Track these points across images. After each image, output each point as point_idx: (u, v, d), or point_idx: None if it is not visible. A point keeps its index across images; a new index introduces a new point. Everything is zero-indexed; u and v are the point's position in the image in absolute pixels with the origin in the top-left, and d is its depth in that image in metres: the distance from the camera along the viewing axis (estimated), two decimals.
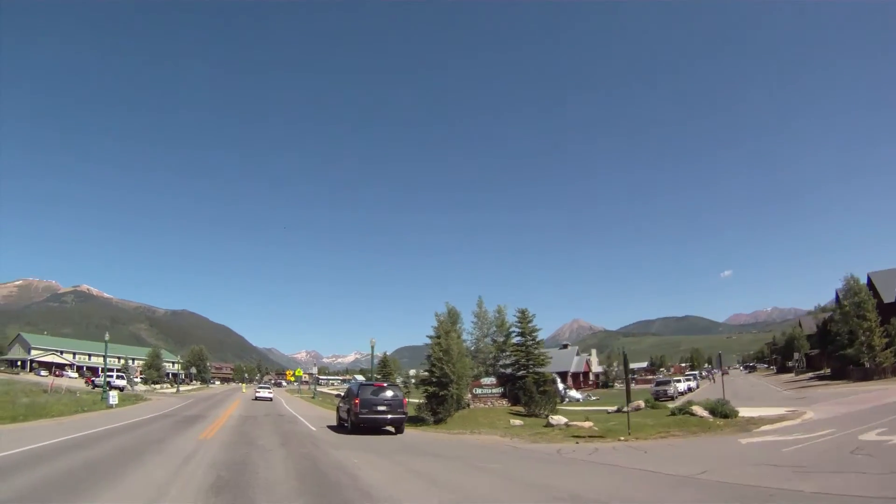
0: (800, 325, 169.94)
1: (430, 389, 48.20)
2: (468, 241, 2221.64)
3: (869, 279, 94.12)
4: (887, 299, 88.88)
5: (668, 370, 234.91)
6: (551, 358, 67.29)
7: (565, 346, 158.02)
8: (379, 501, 14.74)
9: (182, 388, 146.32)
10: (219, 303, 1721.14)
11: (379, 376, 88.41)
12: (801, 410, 40.98)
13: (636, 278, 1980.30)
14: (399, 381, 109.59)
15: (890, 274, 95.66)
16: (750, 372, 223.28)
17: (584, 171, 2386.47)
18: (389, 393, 37.89)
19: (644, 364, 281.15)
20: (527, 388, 52.33)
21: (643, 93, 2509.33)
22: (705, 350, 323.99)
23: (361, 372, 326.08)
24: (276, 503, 14.49)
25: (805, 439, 26.41)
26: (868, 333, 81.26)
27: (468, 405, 52.58)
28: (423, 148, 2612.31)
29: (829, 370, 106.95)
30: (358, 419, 35.91)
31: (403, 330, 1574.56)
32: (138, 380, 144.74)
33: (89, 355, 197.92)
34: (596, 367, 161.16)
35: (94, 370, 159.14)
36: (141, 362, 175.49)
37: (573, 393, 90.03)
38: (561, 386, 78.57)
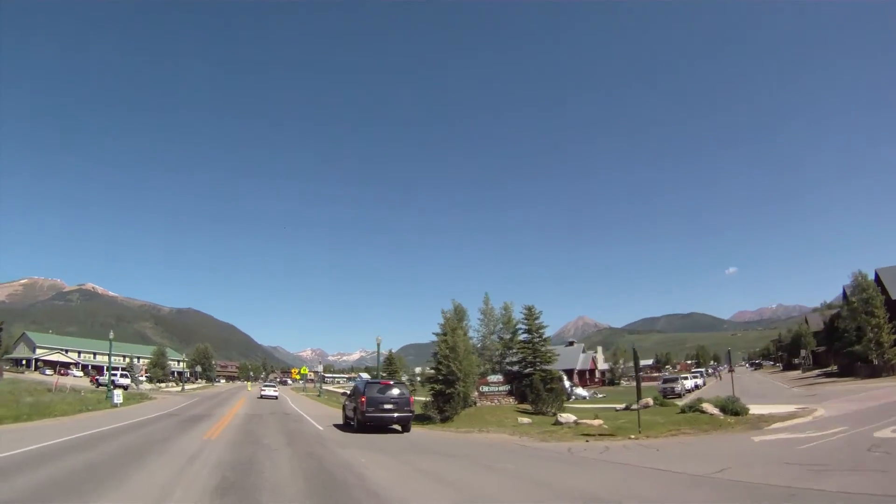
0: (806, 321, 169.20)
1: (437, 387, 47.70)
2: (473, 239, 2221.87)
3: (877, 275, 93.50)
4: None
5: (674, 367, 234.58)
6: (558, 355, 66.97)
7: (571, 344, 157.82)
8: (388, 502, 14.38)
9: (187, 386, 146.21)
10: (224, 301, 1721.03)
11: (385, 374, 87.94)
12: (811, 408, 40.58)
13: (641, 275, 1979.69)
14: (404, 378, 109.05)
15: None
16: (756, 369, 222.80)
17: (589, 170, 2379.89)
18: (396, 391, 37.50)
19: (649, 361, 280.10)
20: (534, 385, 51.97)
21: (644, 92, 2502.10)
22: (710, 347, 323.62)
23: (367, 370, 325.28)
24: None
25: (819, 437, 25.93)
26: (876, 330, 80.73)
27: (475, 403, 52.10)
28: (427, 146, 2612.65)
29: (836, 367, 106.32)
30: (364, 417, 35.62)
31: (408, 327, 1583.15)
32: (143, 378, 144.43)
33: (94, 354, 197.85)
34: (602, 365, 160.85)
35: (99, 369, 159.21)
36: (146, 361, 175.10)
37: (580, 390, 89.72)
38: (567, 384, 78.17)
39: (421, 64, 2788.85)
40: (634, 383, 38.02)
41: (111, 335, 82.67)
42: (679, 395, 70.79)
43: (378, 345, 75.99)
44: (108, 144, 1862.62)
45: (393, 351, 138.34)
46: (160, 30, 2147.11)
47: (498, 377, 56.42)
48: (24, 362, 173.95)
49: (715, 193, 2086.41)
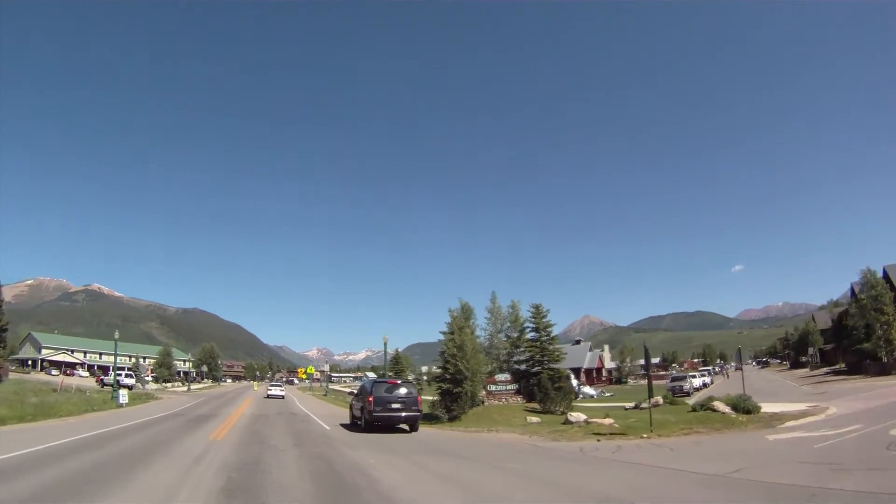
0: (813, 319, 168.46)
1: (444, 386, 47.40)
2: (478, 238, 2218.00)
3: (885, 272, 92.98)
4: None
5: (681, 366, 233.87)
6: (566, 354, 66.63)
7: (578, 342, 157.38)
8: None
9: (193, 386, 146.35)
10: (230, 301, 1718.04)
11: (391, 373, 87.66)
12: (823, 406, 40.26)
13: (646, 274, 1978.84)
14: (411, 378, 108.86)
15: None
16: (763, 367, 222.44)
17: (593, 169, 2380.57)
18: (403, 390, 37.14)
19: (656, 360, 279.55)
20: (542, 384, 51.61)
21: (646, 92, 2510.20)
22: (717, 346, 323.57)
23: (373, 369, 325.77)
24: None
25: (834, 435, 25.58)
26: (886, 327, 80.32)
27: (482, 402, 51.88)
28: (432, 146, 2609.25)
29: (844, 365, 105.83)
30: (372, 417, 35.26)
31: (414, 327, 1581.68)
32: (149, 378, 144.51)
33: (100, 354, 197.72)
34: (609, 363, 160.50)
35: (105, 369, 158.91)
36: (152, 361, 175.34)
37: (587, 389, 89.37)
38: (575, 382, 77.75)
39: (425, 63, 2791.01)
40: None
41: (116, 335, 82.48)
42: (687, 394, 70.36)
43: (385, 344, 75.75)
44: (112, 145, 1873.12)
45: (399, 350, 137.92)
46: (164, 30, 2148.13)
47: (506, 376, 56.27)
48: (29, 363, 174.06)
49: (720, 191, 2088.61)
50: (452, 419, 45.18)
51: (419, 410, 37.39)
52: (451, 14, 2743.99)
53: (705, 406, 37.65)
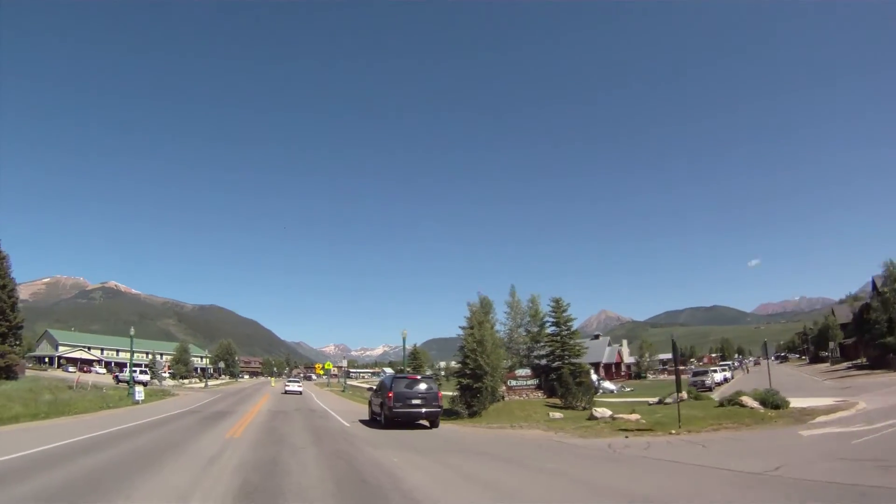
0: (833, 313, 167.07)
1: (464, 381, 46.98)
2: (495, 234, 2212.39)
3: None
4: None
5: (700, 361, 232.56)
6: (587, 348, 66.02)
7: (597, 337, 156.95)
8: None
9: (210, 382, 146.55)
10: (247, 297, 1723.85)
11: (410, 369, 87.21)
12: (851, 401, 39.27)
13: (663, 268, 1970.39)
14: (428, 373, 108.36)
15: None
16: (782, 362, 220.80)
17: (610, 165, 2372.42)
18: (424, 386, 36.63)
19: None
20: (563, 379, 50.88)
21: (653, 90, 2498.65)
22: (734, 340, 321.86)
23: (390, 365, 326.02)
24: None
25: (870, 431, 24.61)
26: None
27: (503, 397, 51.38)
28: (450, 141, 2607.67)
29: (865, 359, 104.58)
30: (392, 413, 34.82)
31: (431, 322, 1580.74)
32: (166, 375, 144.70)
33: (117, 351, 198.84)
34: (627, 358, 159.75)
35: (122, 366, 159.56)
36: (169, 357, 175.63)
37: (607, 384, 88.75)
38: (595, 377, 77.10)
39: (452, 53, 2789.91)
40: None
41: (132, 331, 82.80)
42: (709, 389, 69.57)
43: (404, 339, 75.16)
44: (129, 142, 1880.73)
45: (417, 346, 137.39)
46: (170, 29, 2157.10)
47: (526, 371, 55.65)
48: (46, 360, 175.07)
49: (736, 186, 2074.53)
50: (472, 415, 44.83)
51: (440, 406, 36.76)
52: (452, 14, 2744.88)
53: (733, 401, 36.72)
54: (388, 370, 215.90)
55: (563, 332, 57.26)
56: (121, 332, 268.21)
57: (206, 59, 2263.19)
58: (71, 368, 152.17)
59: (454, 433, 34.16)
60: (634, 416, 34.27)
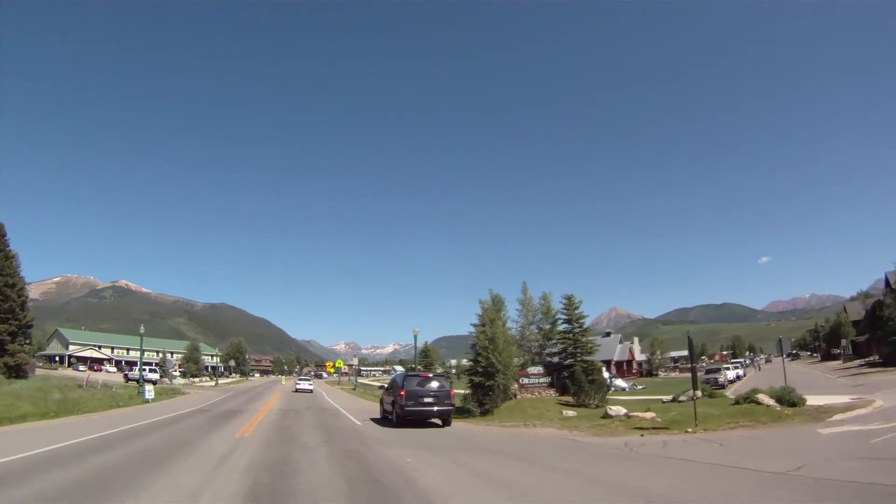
0: (844, 310, 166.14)
1: (476, 379, 46.71)
2: (504, 232, 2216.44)
3: None
4: None
5: (711, 358, 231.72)
6: (599, 346, 65.70)
7: (608, 334, 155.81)
8: None
9: (221, 381, 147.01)
10: (257, 296, 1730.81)
11: (421, 367, 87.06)
12: (867, 398, 38.73)
13: (673, 266, 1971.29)
14: (439, 370, 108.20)
15: None
16: (792, 360, 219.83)
17: (620, 162, 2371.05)
18: (435, 384, 36.25)
19: (684, 352, 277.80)
20: (576, 377, 50.48)
21: (655, 89, 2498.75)
22: (745, 338, 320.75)
23: (401, 363, 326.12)
24: None
25: (888, 429, 24.05)
26: None
27: (515, 395, 51.00)
28: (458, 139, 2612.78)
29: (878, 357, 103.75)
30: (403, 412, 34.58)
31: (441, 321, 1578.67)
32: (177, 373, 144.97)
33: (127, 349, 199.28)
34: (639, 356, 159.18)
35: (132, 364, 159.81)
36: (180, 356, 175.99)
37: (619, 382, 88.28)
38: (606, 375, 76.74)
39: (452, 53, 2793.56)
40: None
41: (142, 330, 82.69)
42: (722, 386, 68.97)
43: (415, 337, 75.05)
44: (139, 141, 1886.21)
45: (427, 343, 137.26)
46: (188, 27, 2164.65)
47: (538, 369, 55.20)
48: (57, 359, 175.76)
49: (746, 184, 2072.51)
50: (485, 413, 44.58)
51: (452, 405, 36.43)
52: (452, 14, 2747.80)
53: (749, 398, 36.29)
54: (399, 368, 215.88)
55: (576, 330, 56.92)
56: (131, 331, 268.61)
57: (206, 59, 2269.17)
58: (81, 367, 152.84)
59: (467, 432, 33.85)
60: (650, 415, 33.90)
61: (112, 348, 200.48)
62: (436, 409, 35.16)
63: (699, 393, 44.84)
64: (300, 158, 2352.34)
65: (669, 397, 50.44)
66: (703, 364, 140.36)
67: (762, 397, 35.39)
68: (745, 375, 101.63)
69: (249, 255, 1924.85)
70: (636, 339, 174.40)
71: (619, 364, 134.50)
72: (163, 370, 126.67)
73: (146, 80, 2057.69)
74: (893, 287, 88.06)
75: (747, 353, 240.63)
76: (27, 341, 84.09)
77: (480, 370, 46.06)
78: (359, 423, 37.61)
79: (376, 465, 19.19)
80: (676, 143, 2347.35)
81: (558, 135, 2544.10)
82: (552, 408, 45.93)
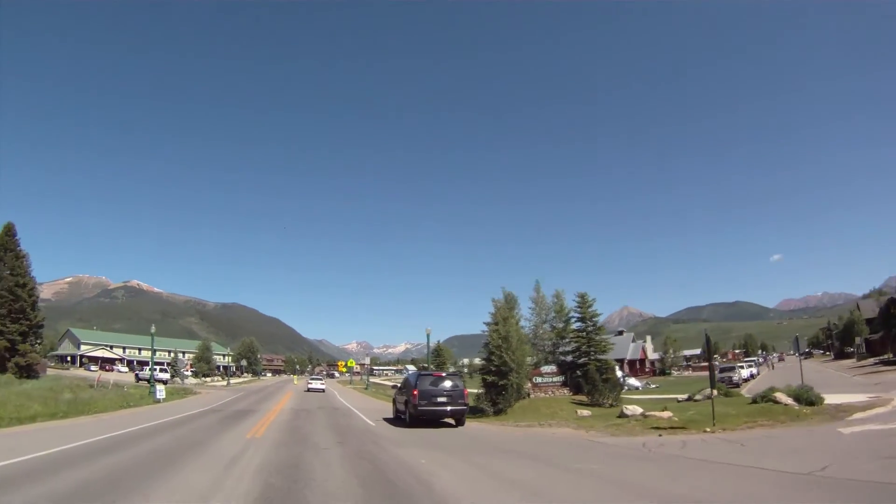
0: (857, 308, 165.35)
1: (489, 378, 46.40)
2: (516, 231, 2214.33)
3: None
4: None
5: (723, 357, 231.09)
6: (613, 344, 65.25)
7: (621, 333, 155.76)
8: None
9: (233, 380, 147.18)
10: (269, 295, 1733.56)
11: (433, 366, 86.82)
12: (885, 397, 38.19)
13: (684, 264, 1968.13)
14: (451, 370, 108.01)
15: None
16: (806, 358, 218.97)
17: (631, 159, 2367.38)
18: (449, 383, 35.85)
19: (697, 351, 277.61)
20: (590, 376, 50.15)
21: (655, 89, 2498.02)
22: (757, 336, 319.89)
23: (413, 362, 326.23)
24: None
25: None
26: None
27: (528, 395, 50.65)
28: (458, 138, 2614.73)
29: (892, 355, 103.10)
30: (417, 411, 34.25)
31: (452, 320, 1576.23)
32: (188, 373, 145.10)
33: (139, 349, 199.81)
34: (651, 355, 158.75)
35: (144, 364, 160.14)
36: (191, 355, 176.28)
37: (632, 381, 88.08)
38: (620, 374, 76.38)
39: (452, 53, 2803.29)
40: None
41: (153, 329, 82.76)
42: (736, 385, 68.49)
43: (428, 336, 74.75)
44: (139, 141, 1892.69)
45: (440, 342, 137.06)
46: (188, 27, 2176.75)
47: (552, 368, 54.77)
48: (68, 359, 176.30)
49: (757, 182, 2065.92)
50: (498, 412, 44.34)
51: (466, 404, 36.22)
52: (452, 14, 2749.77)
53: (766, 397, 35.79)
54: (411, 367, 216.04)
55: (589, 328, 56.54)
56: (143, 331, 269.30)
57: (206, 59, 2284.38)
58: (93, 367, 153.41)
59: (482, 432, 33.44)
60: (667, 414, 33.47)
61: (124, 348, 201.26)
62: (449, 408, 34.85)
63: (715, 391, 44.48)
64: (300, 158, 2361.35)
65: (685, 396, 50.04)
66: (717, 363, 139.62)
67: (780, 396, 34.91)
68: (758, 374, 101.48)
69: (260, 256, 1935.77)
70: (649, 338, 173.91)
71: (631, 363, 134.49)
72: (174, 370, 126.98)
73: (146, 80, 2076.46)
74: None
75: (760, 352, 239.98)
76: (38, 341, 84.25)
77: (493, 369, 45.77)
78: (371, 424, 37.28)
79: (390, 466, 18.82)
80: (677, 143, 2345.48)
81: (558, 135, 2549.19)
82: (566, 407, 45.63)
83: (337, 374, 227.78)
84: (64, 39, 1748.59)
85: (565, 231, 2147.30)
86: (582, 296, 57.73)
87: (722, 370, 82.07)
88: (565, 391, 53.07)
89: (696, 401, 44.22)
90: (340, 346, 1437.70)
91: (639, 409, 36.38)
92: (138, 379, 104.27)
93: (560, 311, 59.16)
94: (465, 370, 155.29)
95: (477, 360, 62.23)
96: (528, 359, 52.42)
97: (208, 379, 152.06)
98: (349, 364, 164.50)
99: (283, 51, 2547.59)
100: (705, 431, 27.01)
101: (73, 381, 67.56)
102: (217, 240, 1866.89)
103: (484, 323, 50.56)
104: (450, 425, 35.27)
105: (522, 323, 56.24)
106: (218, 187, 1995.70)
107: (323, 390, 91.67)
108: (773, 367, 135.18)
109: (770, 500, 13.51)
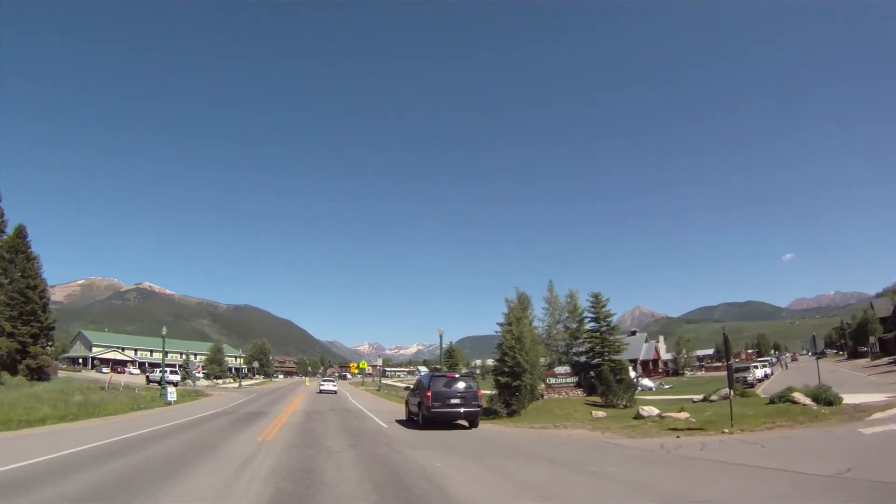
0: (871, 307, 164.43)
1: (503, 380, 46.03)
2: (528, 230, 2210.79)
3: None
4: None
5: (736, 357, 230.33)
6: (627, 345, 64.83)
7: (633, 333, 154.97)
8: None
9: (245, 382, 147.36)
10: (281, 297, 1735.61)
11: (446, 367, 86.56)
12: None
13: (696, 264, 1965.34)
14: (464, 371, 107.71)
15: None
16: (819, 357, 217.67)
17: (631, 159, 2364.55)
18: (462, 384, 35.59)
19: (710, 351, 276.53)
20: (604, 376, 49.79)
21: (655, 89, 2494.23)
22: (770, 336, 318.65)
23: (425, 363, 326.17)
24: None
25: None
26: None
27: (542, 396, 50.29)
28: (458, 138, 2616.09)
29: None
30: (430, 413, 34.02)
31: (464, 321, 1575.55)
32: (200, 375, 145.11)
33: (151, 351, 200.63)
34: (664, 355, 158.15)
35: (155, 366, 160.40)
36: (203, 357, 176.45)
37: (645, 381, 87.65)
38: (633, 374, 75.96)
39: (452, 53, 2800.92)
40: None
41: (164, 331, 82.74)
42: (751, 385, 68.11)
43: (441, 337, 74.56)
44: (150, 142, 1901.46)
45: (452, 343, 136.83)
46: (188, 27, 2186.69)
47: (565, 368, 54.44)
48: (80, 361, 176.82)
49: (769, 181, 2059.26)
50: (511, 414, 44.07)
51: (479, 406, 35.96)
52: (452, 14, 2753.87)
53: (784, 397, 35.29)
54: (423, 369, 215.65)
55: (603, 328, 56.02)
56: (155, 333, 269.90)
57: (206, 59, 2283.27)
58: (104, 369, 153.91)
59: (496, 434, 33.14)
60: (684, 415, 33.02)
61: (135, 350, 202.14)
62: (462, 410, 34.58)
63: (733, 392, 44.02)
64: (300, 158, 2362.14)
65: (700, 397, 49.59)
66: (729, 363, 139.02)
67: (798, 396, 34.41)
68: (772, 374, 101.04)
69: (264, 256, 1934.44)
70: (662, 338, 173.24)
71: (644, 363, 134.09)
72: (186, 372, 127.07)
73: (146, 80, 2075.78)
74: None
75: (772, 352, 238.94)
76: (49, 343, 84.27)
77: (507, 370, 45.40)
78: (384, 426, 37.04)
79: (403, 469, 18.47)
80: (677, 143, 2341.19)
81: (558, 135, 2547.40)
82: (580, 408, 45.35)
83: (349, 376, 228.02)
84: (64, 39, 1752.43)
85: (573, 231, 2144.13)
86: (596, 296, 57.26)
87: (736, 370, 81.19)
88: (579, 392, 52.76)
89: (711, 401, 43.79)
90: (352, 347, 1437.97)
91: (655, 410, 36.00)
92: (149, 381, 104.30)
93: (574, 312, 58.76)
94: (478, 371, 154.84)
95: (490, 361, 61.90)
96: (542, 359, 52.11)
97: (220, 381, 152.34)
98: (361, 366, 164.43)
99: (283, 51, 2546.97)
100: (724, 433, 26.54)
101: (83, 383, 67.69)
102: (223, 241, 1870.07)
103: (497, 323, 50.19)
104: (463, 427, 35.05)
105: (536, 323, 56.07)
106: (218, 187, 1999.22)
107: (335, 392, 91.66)
108: (786, 366, 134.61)
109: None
